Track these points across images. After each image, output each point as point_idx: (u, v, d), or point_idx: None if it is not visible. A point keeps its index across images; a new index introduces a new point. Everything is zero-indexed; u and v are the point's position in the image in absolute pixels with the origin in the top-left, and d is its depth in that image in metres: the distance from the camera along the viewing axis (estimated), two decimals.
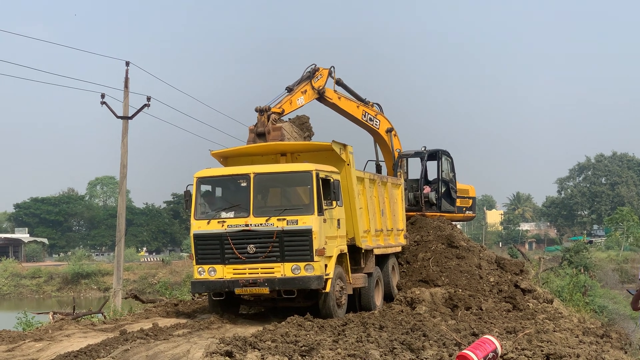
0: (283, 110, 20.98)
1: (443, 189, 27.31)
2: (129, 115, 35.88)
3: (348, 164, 19.07)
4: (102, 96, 35.25)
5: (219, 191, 18.64)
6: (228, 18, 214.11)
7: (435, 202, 26.91)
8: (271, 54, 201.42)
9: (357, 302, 19.66)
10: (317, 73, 22.81)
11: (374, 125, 25.57)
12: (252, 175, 17.67)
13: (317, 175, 17.45)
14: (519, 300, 21.34)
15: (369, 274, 19.82)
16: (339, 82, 24.11)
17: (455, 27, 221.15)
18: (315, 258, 17.08)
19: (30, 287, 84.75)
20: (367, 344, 13.83)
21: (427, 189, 26.89)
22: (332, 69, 23.43)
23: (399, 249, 22.72)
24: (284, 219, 17.21)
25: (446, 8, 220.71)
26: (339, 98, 24.06)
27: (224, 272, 17.55)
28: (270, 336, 14.19)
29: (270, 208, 17.72)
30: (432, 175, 27.51)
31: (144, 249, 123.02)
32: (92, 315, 22.47)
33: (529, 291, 22.50)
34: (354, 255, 19.34)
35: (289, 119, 21.10)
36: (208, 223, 17.69)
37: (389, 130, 25.95)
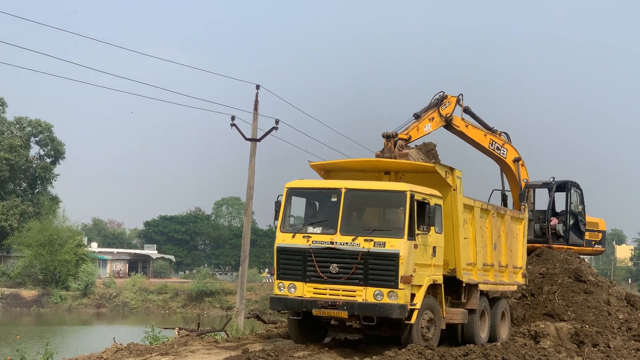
0: (410, 137, 20.91)
1: (571, 222, 26.67)
2: (258, 137, 36.61)
3: (454, 189, 17.83)
4: (232, 118, 36.17)
5: (309, 204, 17.72)
6: (357, 46, 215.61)
7: (562, 234, 26.30)
8: (398, 80, 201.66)
9: (461, 338, 18.54)
10: (445, 100, 22.67)
11: (501, 154, 25.19)
12: (343, 191, 16.73)
13: (412, 197, 16.36)
14: None
15: (471, 311, 18.48)
16: (466, 110, 23.89)
17: (580, 54, 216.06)
18: (400, 285, 15.87)
19: (156, 302, 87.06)
20: None
21: (554, 221, 26.32)
22: (460, 96, 23.25)
23: (513, 288, 21.24)
24: (372, 240, 16.13)
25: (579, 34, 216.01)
26: (467, 126, 23.83)
27: (304, 290, 16.53)
28: None
29: (359, 227, 16.65)
30: (560, 207, 26.91)
31: (266, 270, 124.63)
32: (215, 333, 22.88)
33: None
34: (456, 288, 18.15)
35: (416, 145, 21.01)
36: (293, 237, 16.80)
37: (517, 160, 25.51)
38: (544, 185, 26.71)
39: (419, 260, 16.40)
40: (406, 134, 20.83)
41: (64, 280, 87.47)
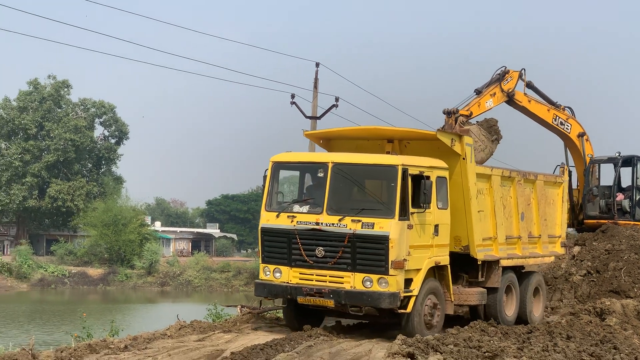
0: (471, 113, 20.74)
1: (638, 197, 26.21)
2: (318, 115, 36.61)
3: (464, 158, 16.06)
4: (292, 96, 36.20)
5: (301, 180, 16.49)
6: (417, 22, 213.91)
7: (628, 210, 25.88)
8: (459, 57, 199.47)
9: (484, 318, 17.04)
10: (507, 75, 22.45)
11: (564, 129, 24.86)
12: (330, 165, 15.20)
13: (405, 171, 14.72)
14: None
15: (492, 289, 16.93)
16: (529, 85, 23.61)
17: None
18: (391, 271, 14.43)
19: (219, 280, 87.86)
20: (553, 354, 13.46)
21: (620, 196, 25.91)
22: (522, 71, 22.99)
23: (549, 260, 19.79)
24: (359, 221, 14.63)
25: None
26: (529, 101, 23.55)
27: (289, 275, 15.33)
28: (453, 340, 14.04)
29: (348, 205, 15.08)
30: (626, 182, 26.46)
31: None
32: (277, 311, 23.01)
33: None
34: (474, 266, 16.67)
35: (477, 121, 20.80)
36: (277, 216, 15.46)
37: (581, 135, 25.17)
38: (610, 160, 26.27)
39: (416, 242, 14.94)
40: (467, 110, 20.67)
41: (129, 259, 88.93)
